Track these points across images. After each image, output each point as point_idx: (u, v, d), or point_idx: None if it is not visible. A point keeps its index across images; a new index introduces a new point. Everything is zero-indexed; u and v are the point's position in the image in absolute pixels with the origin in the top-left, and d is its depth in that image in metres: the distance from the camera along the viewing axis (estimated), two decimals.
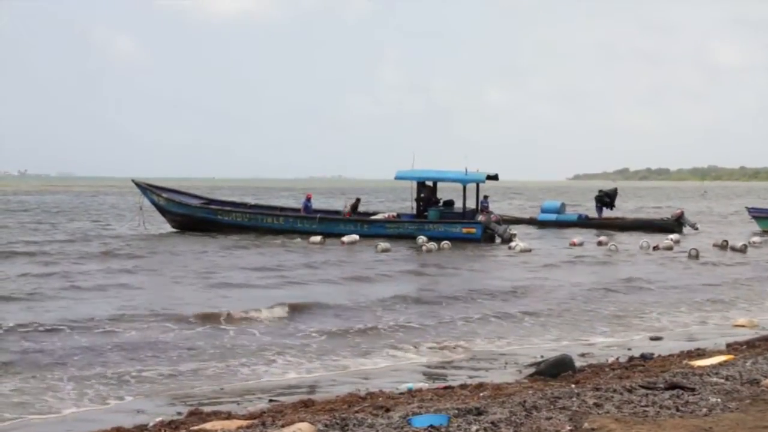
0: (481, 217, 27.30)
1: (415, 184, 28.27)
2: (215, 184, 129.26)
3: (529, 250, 24.28)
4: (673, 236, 28.27)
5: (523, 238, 27.27)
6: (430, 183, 28.44)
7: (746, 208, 38.21)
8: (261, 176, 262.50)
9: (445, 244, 24.95)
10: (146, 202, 28.86)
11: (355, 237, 25.81)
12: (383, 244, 23.89)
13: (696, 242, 27.29)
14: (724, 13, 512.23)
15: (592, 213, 36.62)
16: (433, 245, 24.45)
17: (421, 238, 25.24)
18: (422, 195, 28.18)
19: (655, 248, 25.37)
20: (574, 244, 26.57)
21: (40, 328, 11.51)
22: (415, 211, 28.35)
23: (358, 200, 30.24)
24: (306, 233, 26.72)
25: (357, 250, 24.02)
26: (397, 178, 28.44)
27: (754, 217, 35.01)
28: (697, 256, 23.25)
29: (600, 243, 26.81)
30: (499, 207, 42.23)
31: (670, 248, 25.47)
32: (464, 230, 26.67)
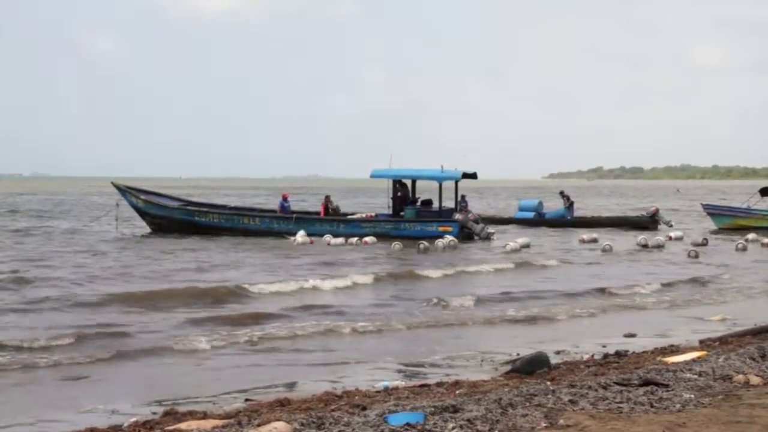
0: (458, 216, 27.28)
1: (391, 182, 28.29)
2: (183, 184, 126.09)
3: (519, 250, 23.75)
4: (676, 233, 28.41)
5: (517, 237, 27.00)
6: (407, 181, 28.41)
7: (701, 204, 37.30)
8: (236, 175, 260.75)
9: (452, 241, 24.86)
10: (123, 203, 28.67)
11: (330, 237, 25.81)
12: (398, 244, 23.93)
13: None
14: (702, 13, 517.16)
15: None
16: (445, 241, 24.63)
17: (440, 241, 24.76)
18: (399, 194, 28.17)
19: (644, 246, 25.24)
20: (583, 241, 26.65)
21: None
22: (391, 210, 28.34)
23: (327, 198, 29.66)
24: (283, 234, 26.65)
25: (341, 250, 23.72)
26: (373, 176, 28.40)
27: (709, 214, 34.29)
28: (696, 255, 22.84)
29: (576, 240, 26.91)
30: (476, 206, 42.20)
31: (659, 246, 25.29)
32: (440, 229, 26.57)
